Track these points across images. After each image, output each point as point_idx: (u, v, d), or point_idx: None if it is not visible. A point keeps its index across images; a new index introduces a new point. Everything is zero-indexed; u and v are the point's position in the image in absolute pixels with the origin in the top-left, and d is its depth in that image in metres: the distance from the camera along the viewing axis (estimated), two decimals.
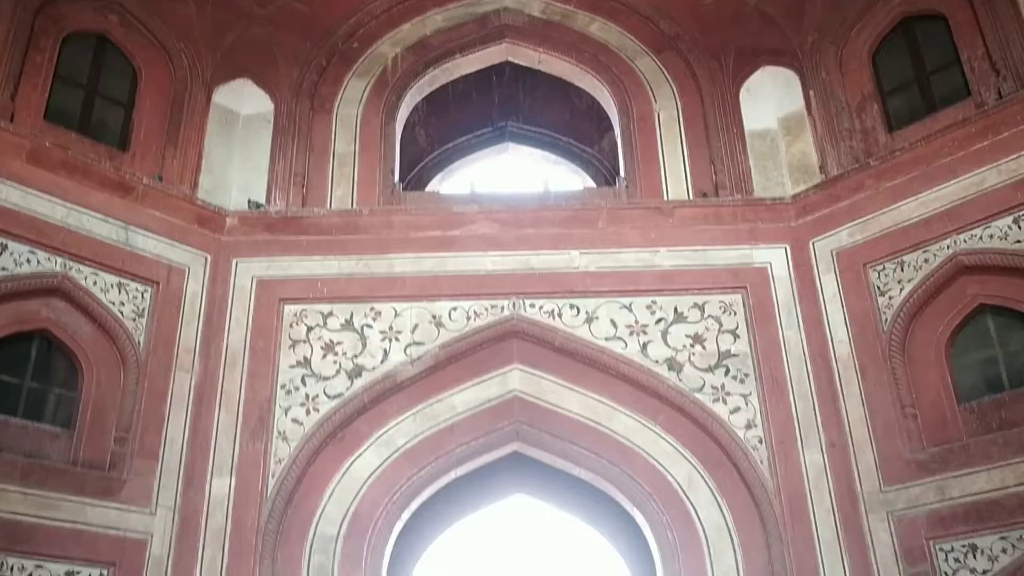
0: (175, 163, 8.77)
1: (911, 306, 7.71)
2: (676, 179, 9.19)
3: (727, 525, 7.64)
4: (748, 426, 7.83)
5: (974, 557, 6.86)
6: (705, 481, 7.80)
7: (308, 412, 7.94)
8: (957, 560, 6.92)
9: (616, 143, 9.90)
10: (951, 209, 7.72)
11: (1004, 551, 6.75)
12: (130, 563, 7.13)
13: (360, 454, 7.93)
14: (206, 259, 8.43)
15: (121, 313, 7.83)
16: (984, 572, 6.79)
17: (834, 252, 8.27)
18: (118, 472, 7.34)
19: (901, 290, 7.81)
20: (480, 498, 8.88)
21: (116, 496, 7.23)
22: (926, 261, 7.76)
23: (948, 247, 7.66)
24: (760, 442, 7.76)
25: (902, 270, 7.86)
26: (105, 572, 7.02)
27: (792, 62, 9.41)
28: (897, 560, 7.14)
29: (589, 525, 9.09)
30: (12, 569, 6.66)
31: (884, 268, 7.97)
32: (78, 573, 6.92)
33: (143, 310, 7.96)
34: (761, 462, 7.69)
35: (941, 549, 7.00)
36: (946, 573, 6.93)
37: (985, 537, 6.85)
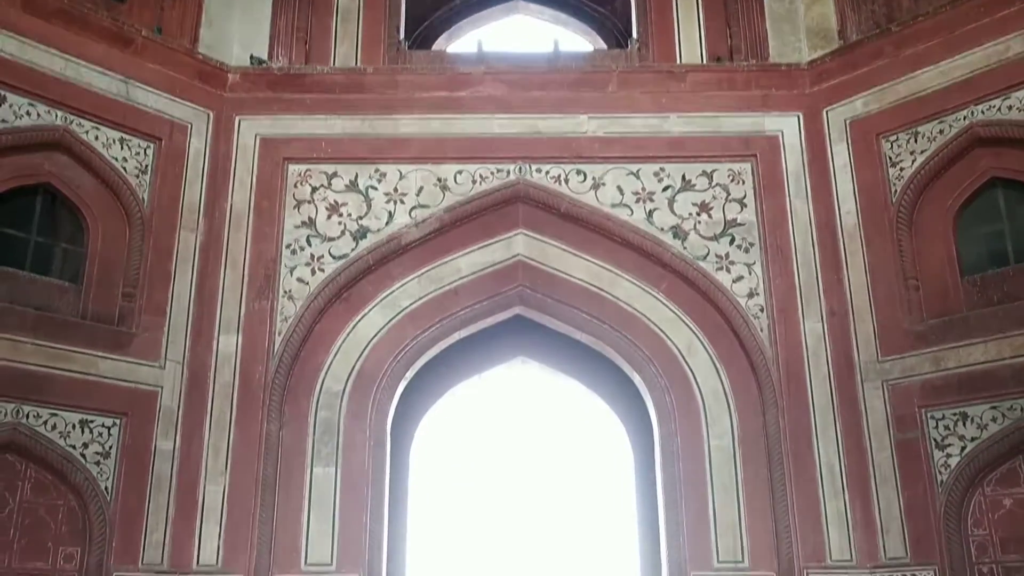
0: (174, 15, 8.49)
1: (922, 178, 7.62)
2: (690, 42, 8.93)
3: (724, 390, 7.81)
4: (750, 295, 7.89)
5: (964, 425, 7.03)
6: (705, 347, 7.93)
7: (313, 272, 7.99)
8: (947, 427, 7.10)
9: (629, 3, 9.55)
10: (971, 78, 7.52)
11: (994, 419, 6.91)
12: (142, 414, 7.35)
13: (365, 314, 8.04)
14: (208, 116, 8.30)
15: (124, 169, 7.77)
16: (972, 439, 6.97)
17: (847, 121, 8.11)
18: (127, 326, 7.47)
19: (913, 161, 7.70)
20: (483, 360, 9.03)
21: (126, 349, 7.38)
22: (941, 132, 7.61)
23: (965, 118, 7.50)
24: (761, 310, 7.84)
25: (916, 141, 7.73)
26: (118, 422, 7.24)
27: None
28: (888, 426, 7.33)
29: (589, 389, 9.28)
30: (28, 416, 6.87)
31: (897, 139, 7.84)
32: (92, 422, 7.14)
33: (146, 167, 7.91)
34: (761, 330, 7.79)
35: (932, 417, 7.17)
36: (935, 440, 7.12)
37: (976, 406, 7.00)
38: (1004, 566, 6.75)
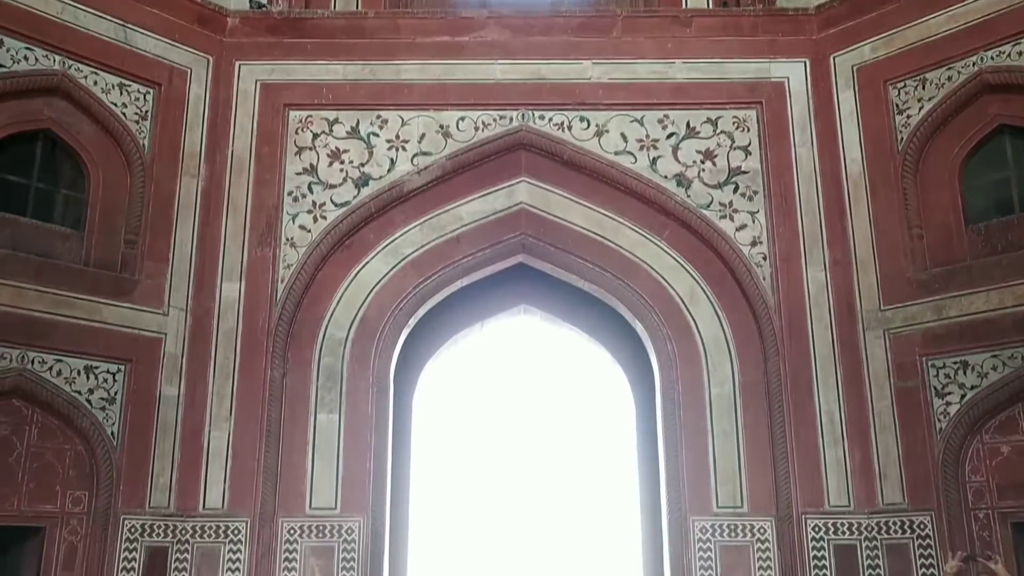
0: None
1: (929, 125, 7.54)
2: None
3: (726, 338, 7.83)
4: (753, 243, 7.86)
5: (964, 373, 7.06)
6: (707, 296, 7.93)
7: (315, 219, 7.97)
8: (947, 376, 7.12)
9: None
10: (981, 23, 7.39)
11: (994, 368, 6.93)
12: (146, 360, 7.40)
13: (367, 262, 8.04)
14: (208, 61, 8.21)
15: (124, 115, 7.72)
16: (972, 388, 7.00)
17: (854, 68, 8.01)
18: (129, 273, 7.48)
19: (920, 108, 7.61)
20: (486, 308, 9.04)
21: (129, 296, 7.40)
22: (949, 79, 7.51)
23: (974, 64, 7.40)
24: (764, 259, 7.82)
25: (923, 87, 7.63)
26: (122, 368, 7.29)
27: None
28: (889, 375, 7.36)
29: (591, 337, 9.31)
30: (33, 362, 6.91)
31: (905, 85, 7.74)
32: (97, 368, 7.18)
33: (146, 112, 7.85)
34: (764, 278, 7.78)
35: (933, 365, 7.20)
36: (935, 388, 7.15)
37: (977, 355, 7.02)
38: (1000, 512, 6.83)
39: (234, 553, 7.25)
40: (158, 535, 7.20)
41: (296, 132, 8.19)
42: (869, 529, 7.21)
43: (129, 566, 7.04)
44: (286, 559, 7.32)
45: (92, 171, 7.62)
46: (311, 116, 8.21)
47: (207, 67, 8.20)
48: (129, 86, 7.80)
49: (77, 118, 7.57)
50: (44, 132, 7.49)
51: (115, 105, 7.68)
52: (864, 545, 7.20)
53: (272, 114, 8.18)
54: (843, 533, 7.24)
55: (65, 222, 7.51)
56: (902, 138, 7.66)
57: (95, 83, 7.60)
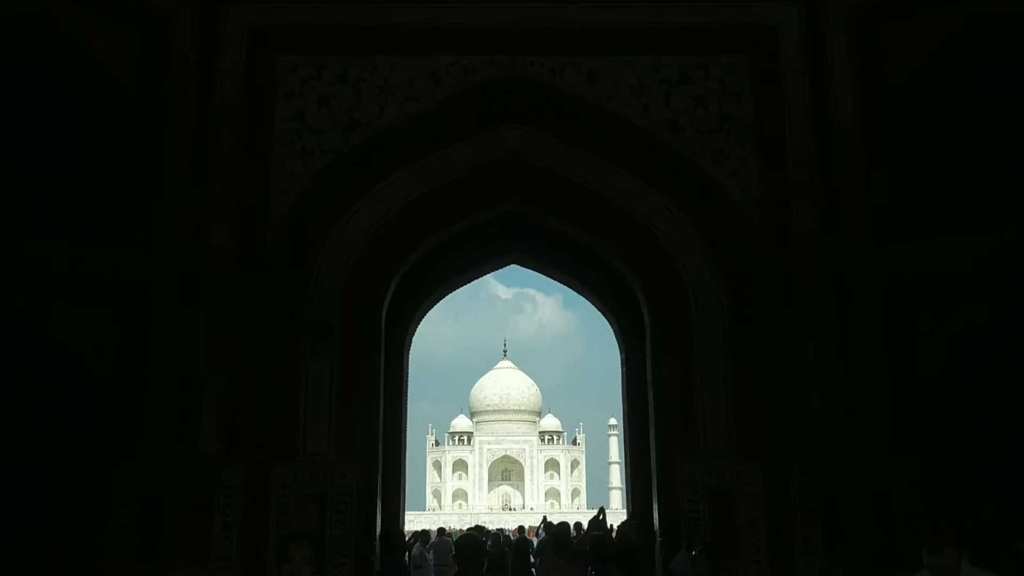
0: None
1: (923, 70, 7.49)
2: None
3: (716, 286, 7.82)
4: (744, 189, 7.83)
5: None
6: (697, 243, 7.89)
7: (304, 166, 7.87)
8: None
9: None
10: None
11: None
12: (136, 306, 7.34)
13: (358, 209, 7.95)
14: (192, 5, 8.02)
15: (108, 60, 7.57)
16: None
17: (848, 12, 7.91)
18: (118, 218, 7.39)
19: (914, 53, 7.55)
20: (477, 256, 9.03)
21: (118, 240, 7.32)
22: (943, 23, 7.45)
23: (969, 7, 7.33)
24: (755, 206, 7.79)
25: (917, 32, 7.56)
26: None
27: None
28: (879, 323, 7.39)
29: (582, 285, 9.34)
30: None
31: (898, 29, 7.66)
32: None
33: (131, 58, 7.69)
34: (754, 225, 7.75)
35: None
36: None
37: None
38: None
39: (227, 499, 7.29)
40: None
41: (284, 78, 8.04)
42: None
43: (123, 512, 7.09)
44: (279, 505, 7.37)
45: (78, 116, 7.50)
46: (298, 61, 8.07)
47: (191, 11, 8.02)
48: (113, 31, 7.64)
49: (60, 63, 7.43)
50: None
51: (99, 51, 7.53)
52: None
53: (259, 60, 8.03)
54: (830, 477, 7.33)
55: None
56: (895, 83, 7.59)
57: (78, 28, 7.45)
